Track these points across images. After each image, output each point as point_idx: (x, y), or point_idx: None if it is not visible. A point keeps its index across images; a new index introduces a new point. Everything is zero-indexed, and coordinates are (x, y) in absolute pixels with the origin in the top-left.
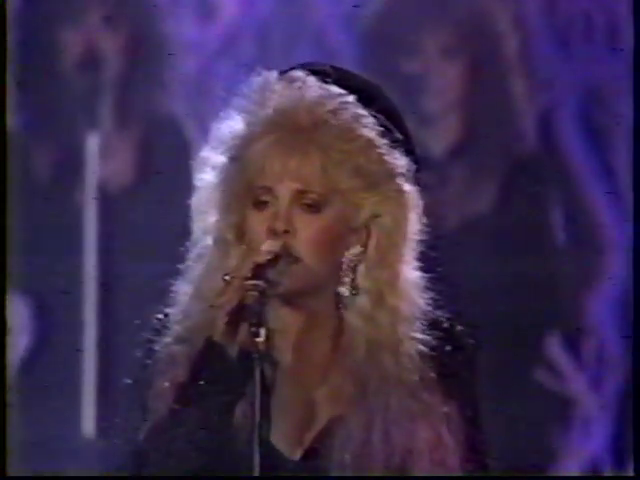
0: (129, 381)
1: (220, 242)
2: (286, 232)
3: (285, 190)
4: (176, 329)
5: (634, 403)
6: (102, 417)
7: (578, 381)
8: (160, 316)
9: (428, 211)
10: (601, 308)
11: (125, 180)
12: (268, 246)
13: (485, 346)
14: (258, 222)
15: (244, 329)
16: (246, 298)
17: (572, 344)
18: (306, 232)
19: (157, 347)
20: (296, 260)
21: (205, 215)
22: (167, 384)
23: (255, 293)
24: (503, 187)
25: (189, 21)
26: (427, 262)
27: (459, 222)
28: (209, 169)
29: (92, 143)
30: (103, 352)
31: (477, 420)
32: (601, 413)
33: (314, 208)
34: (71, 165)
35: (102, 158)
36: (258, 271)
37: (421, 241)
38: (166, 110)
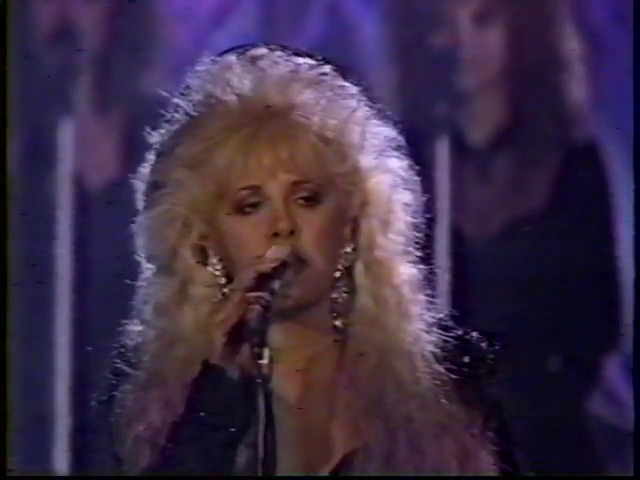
0: (93, 437)
1: (180, 269)
2: (292, 233)
3: (278, 185)
4: (139, 375)
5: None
6: (76, 452)
7: None
8: (117, 360)
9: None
10: None
11: (105, 173)
12: (275, 253)
13: (531, 367)
14: (249, 228)
15: (245, 350)
16: (248, 314)
17: (634, 367)
18: (309, 230)
19: (118, 394)
20: (304, 264)
21: (155, 241)
22: (141, 429)
23: (258, 307)
24: (555, 181)
25: None
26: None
27: (504, 222)
28: (156, 186)
29: (66, 130)
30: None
31: (504, 432)
32: None
33: (313, 201)
34: (42, 155)
35: (78, 147)
36: (262, 282)
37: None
38: (153, 92)
